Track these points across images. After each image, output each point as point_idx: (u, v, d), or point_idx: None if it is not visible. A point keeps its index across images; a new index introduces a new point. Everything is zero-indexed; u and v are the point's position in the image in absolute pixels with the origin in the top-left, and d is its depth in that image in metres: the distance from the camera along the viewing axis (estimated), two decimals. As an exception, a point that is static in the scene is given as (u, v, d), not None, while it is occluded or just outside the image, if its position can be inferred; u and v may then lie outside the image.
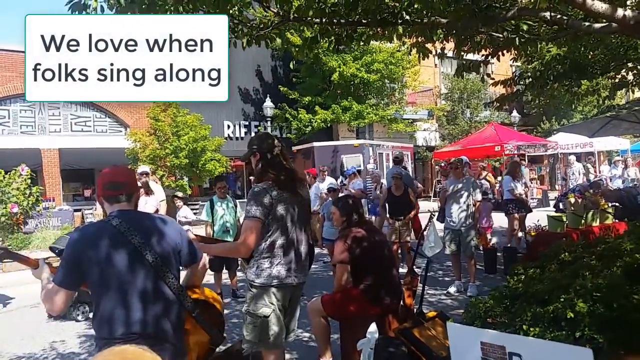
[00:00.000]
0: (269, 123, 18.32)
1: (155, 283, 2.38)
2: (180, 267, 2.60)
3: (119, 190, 2.43)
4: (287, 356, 4.42)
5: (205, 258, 2.78)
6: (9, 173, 11.32)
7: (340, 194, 7.81)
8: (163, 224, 2.50)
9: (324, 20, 4.06)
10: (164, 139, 15.55)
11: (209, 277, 7.87)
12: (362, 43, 4.70)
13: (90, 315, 6.16)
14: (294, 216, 3.22)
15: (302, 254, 3.30)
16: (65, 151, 16.73)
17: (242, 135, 20.50)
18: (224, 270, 7.30)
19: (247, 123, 20.78)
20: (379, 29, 4.27)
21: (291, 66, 12.17)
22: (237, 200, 7.39)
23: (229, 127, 20.27)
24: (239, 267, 7.25)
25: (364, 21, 4.07)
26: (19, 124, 16.71)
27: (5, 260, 5.47)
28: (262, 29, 4.05)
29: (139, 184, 7.08)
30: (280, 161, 3.26)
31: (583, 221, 7.72)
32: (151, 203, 7.20)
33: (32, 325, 6.28)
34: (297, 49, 5.29)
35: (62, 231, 12.96)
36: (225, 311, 6.37)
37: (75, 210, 16.59)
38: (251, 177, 8.48)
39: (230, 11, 3.99)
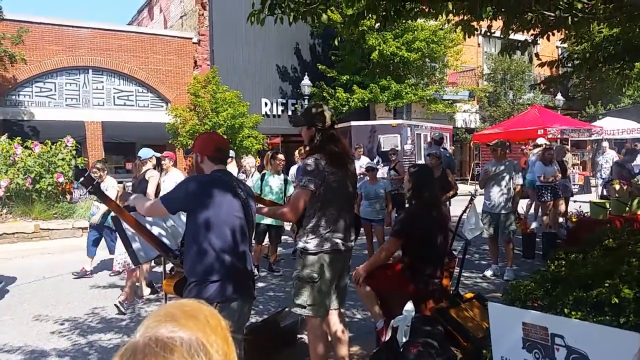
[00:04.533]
0: (306, 101, 18.28)
1: (249, 232, 2.82)
2: None
3: (224, 155, 2.97)
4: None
5: None
6: (55, 144, 11.68)
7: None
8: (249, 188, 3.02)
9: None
10: (203, 115, 15.76)
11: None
12: (409, 20, 4.61)
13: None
14: (343, 188, 3.34)
15: (350, 223, 3.43)
16: (107, 124, 17.13)
17: (279, 112, 20.53)
18: (265, 242, 7.41)
19: (284, 101, 20.78)
20: (427, 6, 4.18)
21: (336, 43, 11.98)
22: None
23: (266, 104, 20.32)
24: (293, 233, 7.19)
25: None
26: (64, 96, 17.13)
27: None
28: (309, 5, 4.03)
29: None
30: (334, 135, 3.36)
31: (627, 209, 7.49)
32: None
33: (78, 291, 6.57)
34: (342, 26, 5.23)
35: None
36: (262, 284, 6.55)
37: (117, 182, 17.00)
38: (299, 150, 8.47)
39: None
